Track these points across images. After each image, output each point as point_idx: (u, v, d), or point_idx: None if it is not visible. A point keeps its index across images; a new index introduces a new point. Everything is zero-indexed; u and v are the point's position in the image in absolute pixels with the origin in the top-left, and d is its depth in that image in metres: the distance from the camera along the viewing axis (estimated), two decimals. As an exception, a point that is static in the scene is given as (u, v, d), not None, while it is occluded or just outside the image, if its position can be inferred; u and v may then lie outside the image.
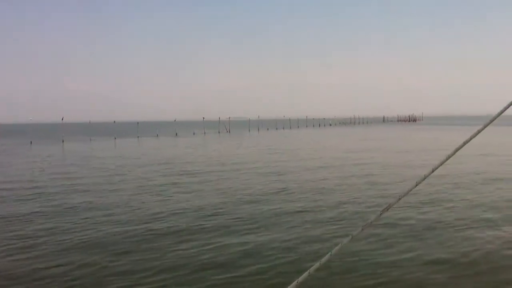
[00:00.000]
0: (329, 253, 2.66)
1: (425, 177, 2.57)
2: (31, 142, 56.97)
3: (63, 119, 65.63)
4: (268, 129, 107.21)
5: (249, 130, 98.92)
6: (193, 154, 37.34)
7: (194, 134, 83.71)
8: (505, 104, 2.47)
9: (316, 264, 2.67)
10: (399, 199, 2.66)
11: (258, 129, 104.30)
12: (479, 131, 2.53)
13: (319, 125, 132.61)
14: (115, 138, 67.43)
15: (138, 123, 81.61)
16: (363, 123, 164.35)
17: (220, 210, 14.16)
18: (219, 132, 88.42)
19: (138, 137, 70.83)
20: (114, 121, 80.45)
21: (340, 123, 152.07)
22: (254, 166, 26.95)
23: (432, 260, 9.20)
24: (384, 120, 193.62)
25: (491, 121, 2.54)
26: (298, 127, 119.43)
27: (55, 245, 10.59)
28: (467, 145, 2.49)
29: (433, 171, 2.55)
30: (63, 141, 59.47)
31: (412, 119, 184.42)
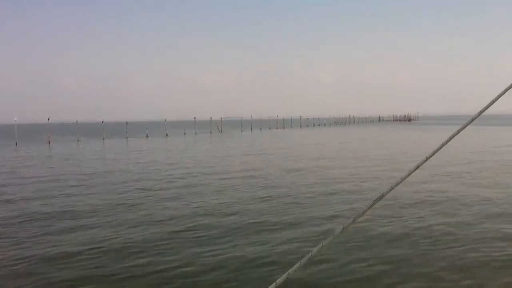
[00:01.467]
0: (321, 244, 2.66)
1: (417, 167, 2.68)
2: (16, 144, 56.25)
3: (49, 119, 64.88)
4: (261, 129, 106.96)
5: (241, 130, 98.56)
6: (172, 158, 36.94)
7: (185, 134, 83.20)
8: (485, 104, 2.60)
9: (307, 256, 2.66)
10: (392, 188, 2.68)
11: (251, 129, 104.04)
12: (458, 131, 2.64)
13: (313, 125, 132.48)
14: (103, 139, 66.82)
15: (127, 123, 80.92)
16: (358, 122, 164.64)
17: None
18: (210, 132, 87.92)
19: (126, 137, 70.22)
20: (103, 121, 79.46)
21: (335, 123, 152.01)
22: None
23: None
24: (380, 120, 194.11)
25: (470, 121, 2.72)
26: (292, 127, 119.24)
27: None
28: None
29: (426, 159, 2.67)
30: (49, 142, 58.78)
31: (407, 119, 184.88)
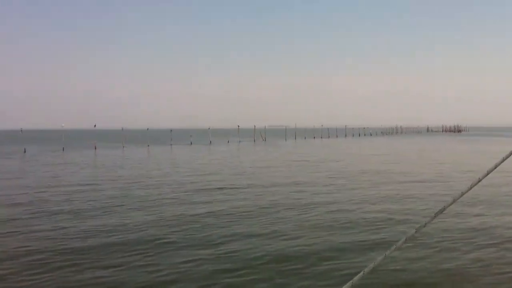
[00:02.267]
0: (384, 255, 2.76)
1: (479, 180, 2.64)
2: (63, 149, 57.52)
3: (96, 126, 66.27)
4: (305, 137, 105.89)
5: (285, 139, 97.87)
6: (221, 164, 36.56)
7: (228, 142, 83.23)
8: None
9: (370, 265, 2.75)
10: (454, 201, 2.72)
11: (295, 138, 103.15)
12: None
13: (359, 135, 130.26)
14: (148, 146, 67.63)
15: (171, 130, 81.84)
16: (406, 133, 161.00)
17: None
18: (254, 141, 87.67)
19: (171, 145, 70.84)
20: (148, 129, 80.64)
21: (381, 133, 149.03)
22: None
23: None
24: (428, 130, 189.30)
25: None
26: (336, 136, 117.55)
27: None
28: None
29: (488, 173, 2.63)
30: (95, 148, 59.88)
31: (457, 130, 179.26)
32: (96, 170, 31.03)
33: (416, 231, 2.78)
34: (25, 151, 52.47)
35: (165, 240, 11.60)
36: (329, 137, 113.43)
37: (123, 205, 16.81)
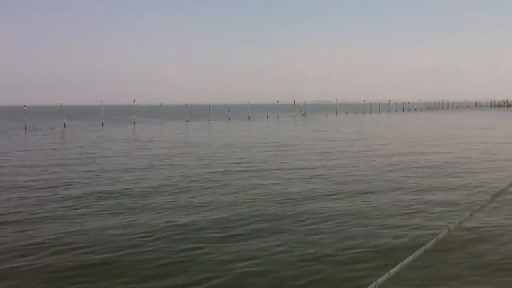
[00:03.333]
0: (424, 246, 2.61)
1: None
2: (102, 124, 58.34)
3: (135, 101, 66.65)
4: (346, 113, 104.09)
5: (326, 115, 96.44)
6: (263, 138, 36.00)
7: (267, 117, 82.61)
8: None
9: (410, 257, 2.57)
10: (500, 192, 2.63)
11: (336, 113, 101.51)
12: None
13: (403, 110, 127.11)
14: (186, 121, 67.88)
15: (209, 105, 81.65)
16: (452, 108, 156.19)
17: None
18: (294, 116, 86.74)
19: (209, 120, 70.89)
20: (186, 104, 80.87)
21: (427, 108, 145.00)
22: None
23: None
24: (476, 105, 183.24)
25: None
26: (379, 111, 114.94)
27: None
28: None
29: None
30: (134, 124, 60.46)
31: (507, 105, 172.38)
32: (134, 144, 31.10)
33: (471, 214, 2.68)
34: (64, 126, 53.44)
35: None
36: (371, 112, 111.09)
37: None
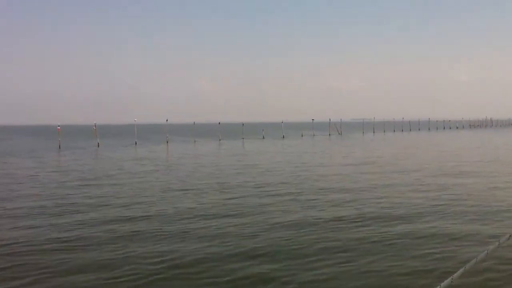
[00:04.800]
0: (475, 259, 2.72)
1: None
2: (135, 143, 59.09)
3: (168, 120, 67.40)
4: (384, 131, 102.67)
5: (363, 133, 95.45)
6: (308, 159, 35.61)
7: (302, 136, 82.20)
8: None
9: (460, 271, 2.69)
10: None
11: (373, 131, 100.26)
12: None
13: (443, 128, 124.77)
14: (219, 140, 68.13)
15: (243, 124, 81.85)
16: (496, 126, 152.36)
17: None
18: (329, 135, 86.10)
19: (243, 138, 70.98)
20: (219, 123, 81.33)
21: (469, 126, 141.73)
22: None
23: None
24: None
25: None
26: (419, 129, 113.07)
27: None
28: None
29: None
30: (167, 142, 61.03)
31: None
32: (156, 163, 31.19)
33: (510, 236, 2.70)
34: (98, 145, 54.33)
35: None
36: (410, 130, 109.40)
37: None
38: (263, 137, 74.93)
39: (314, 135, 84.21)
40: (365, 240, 11.00)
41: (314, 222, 12.88)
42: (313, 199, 16.49)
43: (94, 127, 59.39)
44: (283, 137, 77.73)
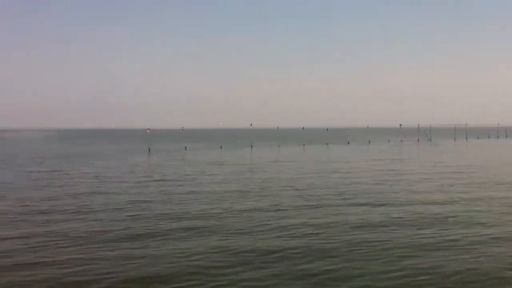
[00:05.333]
0: None
1: None
2: (221, 147, 60.55)
3: (252, 125, 68.61)
4: (478, 137, 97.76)
5: (454, 139, 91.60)
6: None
7: (389, 141, 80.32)
8: None
9: None
10: None
11: (466, 138, 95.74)
12: None
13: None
14: (303, 145, 68.18)
15: (327, 129, 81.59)
16: None
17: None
18: (418, 140, 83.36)
19: (327, 144, 70.51)
20: (303, 128, 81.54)
21: None
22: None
23: None
24: None
25: None
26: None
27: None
28: None
29: None
30: (251, 147, 62.02)
31: None
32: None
33: None
34: (185, 148, 56.24)
35: None
36: (506, 137, 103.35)
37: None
38: (348, 142, 74.04)
39: (402, 140, 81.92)
40: None
41: None
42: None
43: (181, 131, 61.65)
44: (369, 142, 76.43)
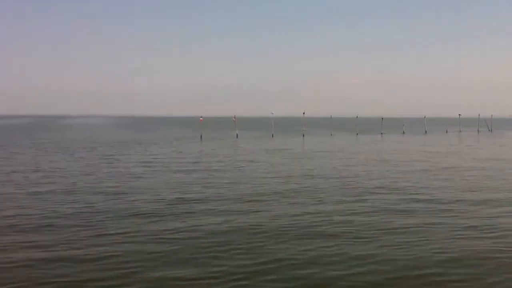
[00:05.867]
0: None
1: None
2: (272, 135, 60.61)
3: (304, 113, 68.14)
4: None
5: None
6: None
7: (447, 132, 77.87)
8: None
9: None
10: None
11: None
12: None
13: None
14: (357, 134, 67.24)
15: (382, 119, 79.93)
16: None
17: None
18: (478, 131, 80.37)
19: (381, 133, 69.15)
20: (357, 116, 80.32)
21: None
22: None
23: None
24: None
25: None
26: None
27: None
28: None
29: None
30: (303, 136, 61.71)
31: None
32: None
33: None
34: (236, 136, 56.60)
35: None
36: None
37: None
38: (403, 132, 72.37)
39: (460, 131, 79.22)
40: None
41: None
42: None
43: (233, 119, 61.87)
44: (426, 132, 74.46)
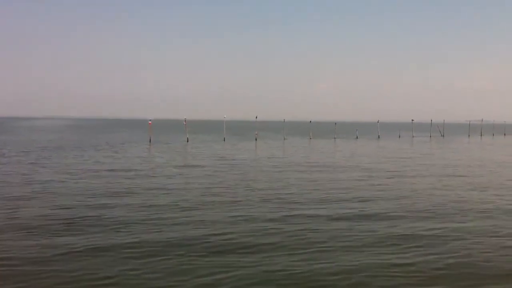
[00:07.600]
0: None
1: None
2: (224, 139, 60.56)
3: (257, 118, 68.44)
4: (493, 134, 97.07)
5: (468, 135, 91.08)
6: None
7: (399, 137, 79.73)
8: None
9: None
10: None
11: (481, 134, 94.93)
12: None
13: None
14: (310, 139, 68.00)
15: (335, 123, 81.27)
16: None
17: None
18: (430, 136, 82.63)
19: (334, 138, 70.18)
20: (310, 121, 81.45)
21: None
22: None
23: None
24: None
25: None
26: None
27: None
28: None
29: None
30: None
31: None
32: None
33: None
34: (187, 140, 56.17)
35: None
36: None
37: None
38: (357, 137, 73.64)
39: (413, 136, 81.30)
40: None
41: None
42: None
43: (184, 122, 61.49)
44: (379, 137, 76.01)
